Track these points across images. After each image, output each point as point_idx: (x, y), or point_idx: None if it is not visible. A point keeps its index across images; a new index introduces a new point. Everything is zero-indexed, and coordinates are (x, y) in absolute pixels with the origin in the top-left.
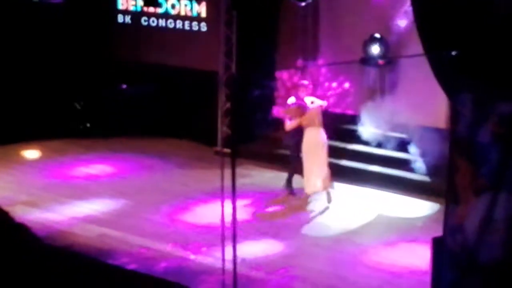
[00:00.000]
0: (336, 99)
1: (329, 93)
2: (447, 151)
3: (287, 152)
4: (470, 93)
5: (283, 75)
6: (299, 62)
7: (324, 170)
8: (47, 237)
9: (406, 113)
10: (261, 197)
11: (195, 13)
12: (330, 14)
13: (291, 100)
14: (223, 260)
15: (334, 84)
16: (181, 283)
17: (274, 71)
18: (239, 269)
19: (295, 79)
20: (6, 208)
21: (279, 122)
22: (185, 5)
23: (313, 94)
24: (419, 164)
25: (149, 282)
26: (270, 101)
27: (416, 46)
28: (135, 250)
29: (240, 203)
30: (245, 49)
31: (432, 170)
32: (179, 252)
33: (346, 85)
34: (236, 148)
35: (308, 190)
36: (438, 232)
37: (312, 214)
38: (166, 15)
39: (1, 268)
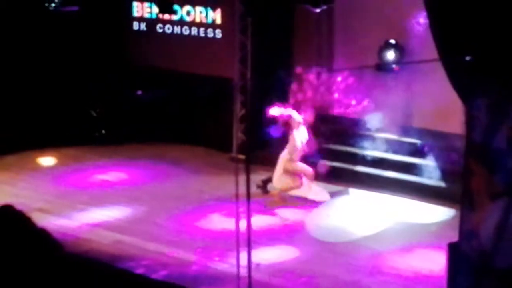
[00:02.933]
0: (350, 105)
1: (343, 97)
2: (462, 156)
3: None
4: (486, 98)
5: (300, 79)
6: (313, 69)
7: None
8: (63, 244)
9: (421, 118)
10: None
11: (210, 20)
12: (345, 20)
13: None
14: (238, 266)
15: (348, 90)
16: None
17: (289, 77)
18: (254, 275)
19: (308, 86)
20: None
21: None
22: (200, 12)
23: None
24: (434, 169)
25: None
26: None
27: (431, 52)
28: (150, 256)
29: (254, 209)
30: (260, 55)
31: (447, 176)
32: (194, 258)
33: (360, 90)
34: (251, 154)
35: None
36: (454, 237)
37: (326, 220)
38: (181, 22)
39: (22, 273)
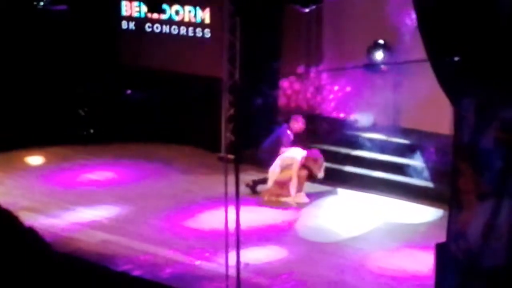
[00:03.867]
0: (339, 105)
1: (332, 97)
2: (450, 156)
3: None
4: (473, 99)
5: (289, 79)
6: (301, 69)
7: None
8: (50, 243)
9: (410, 118)
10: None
11: (198, 20)
12: (333, 20)
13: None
14: (227, 266)
15: (337, 89)
16: None
17: (278, 77)
18: (243, 274)
19: (297, 85)
20: None
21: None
22: (189, 12)
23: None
24: (423, 169)
25: None
26: (273, 106)
27: (419, 52)
28: (139, 256)
29: (243, 209)
30: (248, 55)
31: (435, 176)
32: (183, 258)
33: (349, 90)
34: (240, 154)
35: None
36: (441, 237)
37: (315, 220)
38: (170, 22)
39: (9, 272)
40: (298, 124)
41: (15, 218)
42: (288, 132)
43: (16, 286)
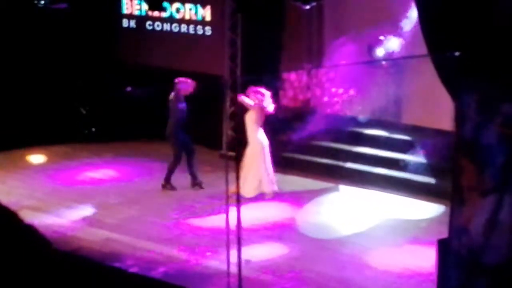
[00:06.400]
0: (340, 101)
1: (334, 95)
2: (452, 152)
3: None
4: (475, 94)
5: (290, 76)
6: (304, 65)
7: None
8: (53, 242)
9: (411, 114)
10: (266, 200)
11: (199, 17)
12: (334, 16)
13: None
14: (228, 263)
15: (339, 88)
16: (186, 287)
17: (279, 74)
18: (245, 272)
19: (302, 80)
20: None
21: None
22: (190, 9)
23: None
24: (424, 166)
25: (154, 286)
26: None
27: (421, 48)
28: (140, 254)
29: (245, 206)
30: (250, 52)
31: (437, 172)
32: (185, 256)
33: (351, 88)
34: (241, 151)
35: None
36: (444, 233)
37: (316, 217)
38: (171, 19)
39: (8, 270)
40: (186, 84)
41: (15, 215)
42: (175, 94)
43: (16, 284)
